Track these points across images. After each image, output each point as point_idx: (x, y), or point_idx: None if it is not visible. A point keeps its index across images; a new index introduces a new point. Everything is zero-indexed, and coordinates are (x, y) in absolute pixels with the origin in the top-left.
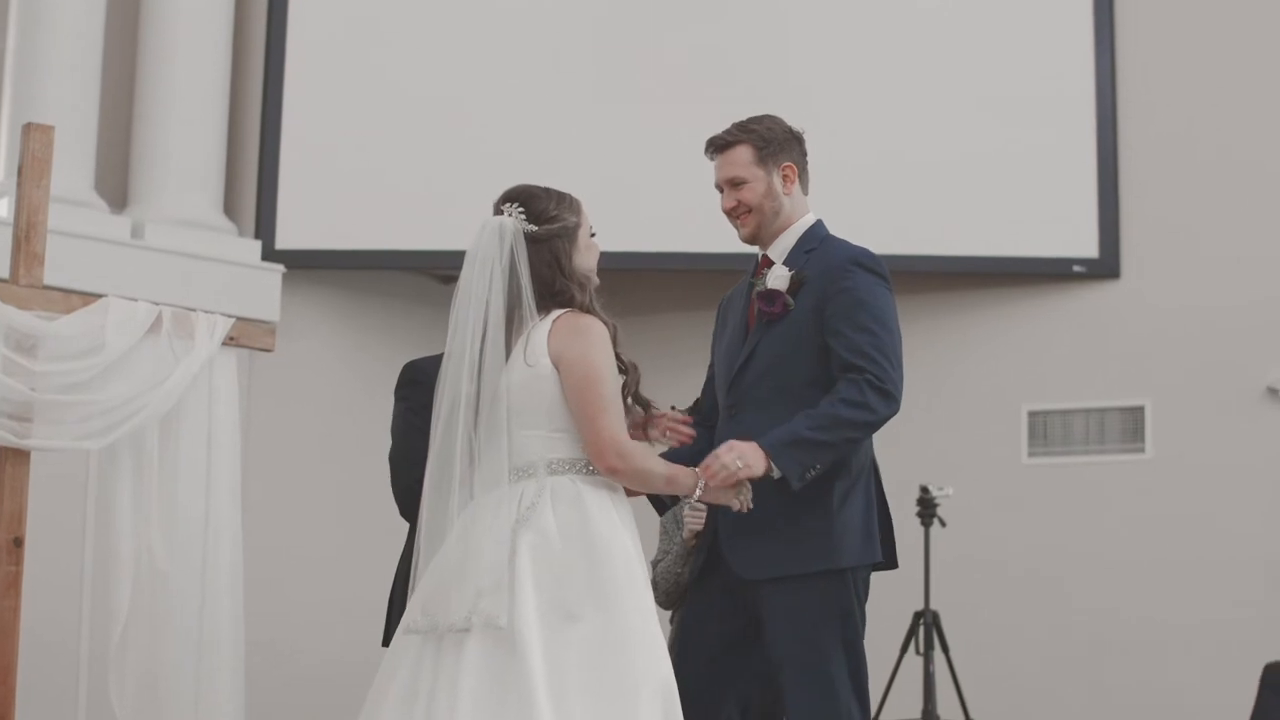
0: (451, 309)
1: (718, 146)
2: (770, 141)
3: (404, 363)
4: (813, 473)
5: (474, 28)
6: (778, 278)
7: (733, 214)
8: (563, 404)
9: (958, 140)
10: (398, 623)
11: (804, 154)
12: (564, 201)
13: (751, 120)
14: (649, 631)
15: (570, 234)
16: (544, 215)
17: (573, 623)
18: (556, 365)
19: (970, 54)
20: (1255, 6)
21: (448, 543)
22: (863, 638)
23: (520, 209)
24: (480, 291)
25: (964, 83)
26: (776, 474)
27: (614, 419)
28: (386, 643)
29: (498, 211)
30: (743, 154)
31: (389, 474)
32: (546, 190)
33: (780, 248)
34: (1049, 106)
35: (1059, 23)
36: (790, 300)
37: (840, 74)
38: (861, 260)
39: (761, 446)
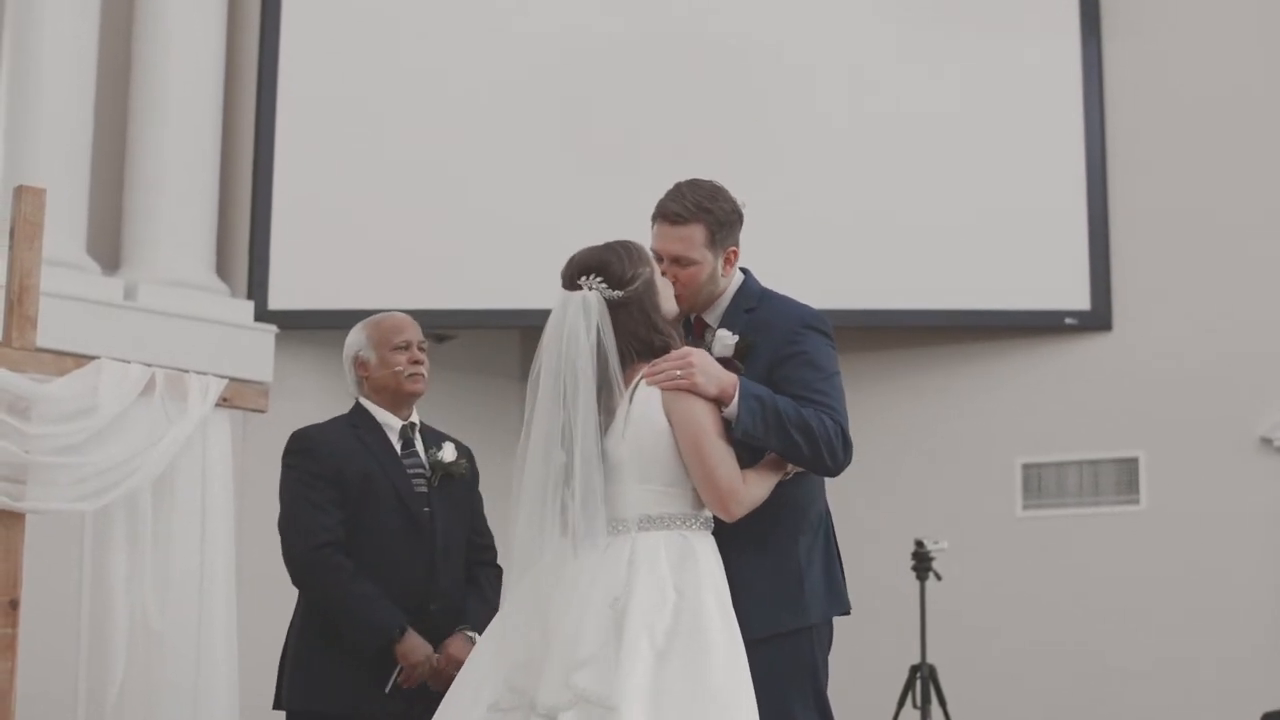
0: (532, 384)
1: (670, 219)
2: (724, 224)
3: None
4: (751, 440)
5: (466, 90)
6: (724, 345)
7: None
8: (676, 459)
9: (951, 195)
10: (294, 688)
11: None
12: (634, 255)
13: (704, 195)
14: (749, 692)
15: (651, 285)
16: (624, 279)
17: (679, 680)
18: (669, 420)
19: (964, 111)
20: (1243, 65)
21: (526, 617)
22: (827, 686)
23: (600, 279)
24: (568, 363)
25: (957, 138)
26: (730, 411)
27: (728, 466)
28: (279, 706)
29: (573, 285)
30: (696, 234)
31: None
32: (612, 249)
33: (715, 312)
34: (1041, 161)
35: (1050, 81)
36: (740, 366)
37: (837, 132)
38: (811, 322)
39: (740, 382)
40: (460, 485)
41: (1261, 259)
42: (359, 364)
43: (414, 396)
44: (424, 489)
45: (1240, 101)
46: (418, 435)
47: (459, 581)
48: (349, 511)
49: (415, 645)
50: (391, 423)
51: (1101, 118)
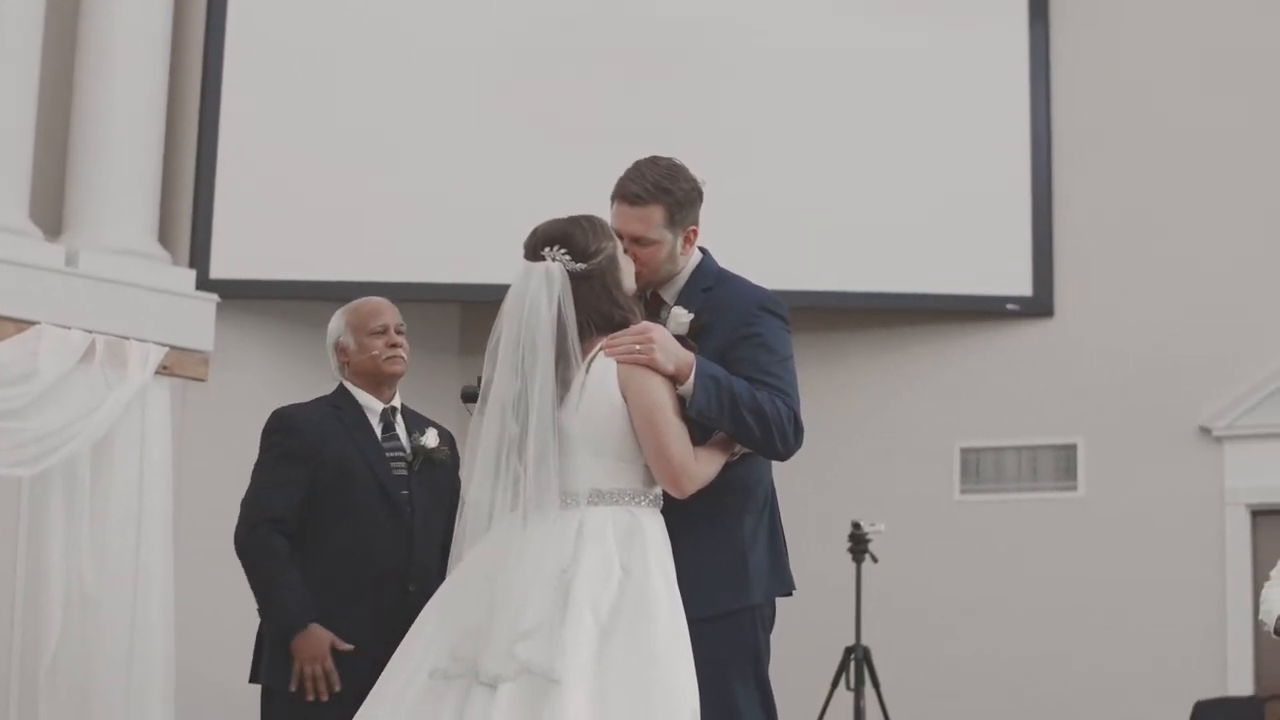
0: (490, 353)
1: (629, 199)
2: (683, 204)
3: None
4: (704, 419)
5: (411, 63)
6: (679, 323)
7: None
8: (629, 434)
9: (895, 179)
10: (272, 664)
11: (700, 206)
12: (598, 229)
13: (664, 176)
14: (691, 670)
15: (613, 261)
16: (587, 252)
17: (623, 656)
18: (624, 396)
19: (910, 96)
20: (1189, 54)
21: (473, 586)
22: (768, 668)
23: (563, 251)
24: (528, 333)
25: (902, 122)
26: (685, 389)
27: (682, 443)
28: (255, 679)
29: (536, 256)
30: (655, 214)
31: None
32: (576, 222)
33: (672, 290)
34: (986, 146)
35: (997, 67)
36: (694, 344)
37: (782, 116)
38: (768, 305)
39: (696, 361)
40: (441, 471)
41: (1203, 248)
42: (339, 349)
43: (394, 378)
44: (403, 472)
45: (1186, 91)
46: (399, 419)
47: (437, 565)
48: (327, 494)
49: (317, 639)
50: (373, 405)
51: (1048, 105)
